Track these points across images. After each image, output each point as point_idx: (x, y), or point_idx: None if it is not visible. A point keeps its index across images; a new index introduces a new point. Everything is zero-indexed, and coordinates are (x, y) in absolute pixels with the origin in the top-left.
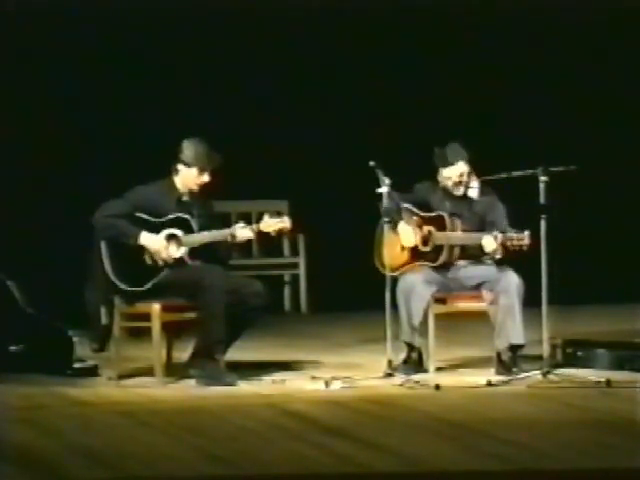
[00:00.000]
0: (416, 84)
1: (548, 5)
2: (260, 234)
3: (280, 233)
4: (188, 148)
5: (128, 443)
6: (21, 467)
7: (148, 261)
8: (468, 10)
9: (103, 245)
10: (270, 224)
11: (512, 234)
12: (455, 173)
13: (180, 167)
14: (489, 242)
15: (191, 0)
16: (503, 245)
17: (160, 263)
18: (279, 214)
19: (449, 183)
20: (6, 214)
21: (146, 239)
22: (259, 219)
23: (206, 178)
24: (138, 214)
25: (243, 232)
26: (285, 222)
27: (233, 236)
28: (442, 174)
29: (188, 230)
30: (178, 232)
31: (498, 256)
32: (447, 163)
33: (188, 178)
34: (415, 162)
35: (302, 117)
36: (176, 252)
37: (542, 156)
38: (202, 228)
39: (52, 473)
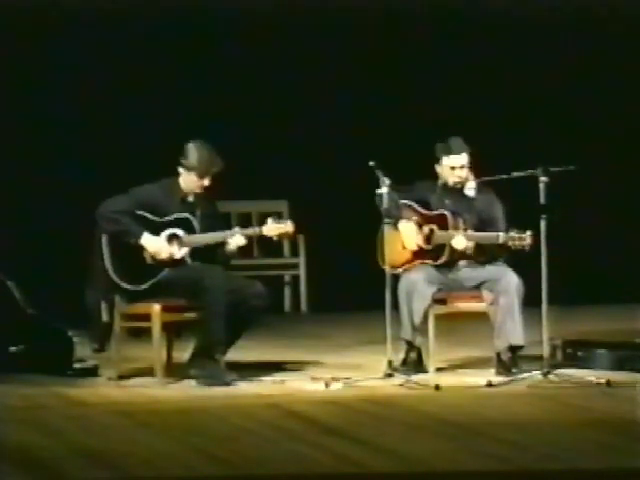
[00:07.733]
0: (416, 84)
1: (548, 5)
2: (262, 238)
3: (282, 237)
4: (191, 152)
5: (128, 443)
6: (21, 467)
7: (149, 260)
8: (468, 9)
9: (104, 243)
10: (273, 229)
11: (514, 234)
12: (459, 162)
13: (181, 170)
14: (459, 241)
15: (192, 1)
16: (505, 245)
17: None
18: (282, 218)
19: (450, 176)
20: (6, 214)
21: (147, 240)
22: (262, 223)
23: (206, 182)
24: (141, 212)
25: (236, 239)
26: (288, 227)
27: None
28: (444, 163)
29: (190, 230)
30: (180, 232)
31: (468, 252)
32: (451, 152)
33: (188, 182)
34: (415, 161)
35: (302, 117)
36: (177, 252)
37: (542, 156)
38: (205, 229)
39: (52, 473)
